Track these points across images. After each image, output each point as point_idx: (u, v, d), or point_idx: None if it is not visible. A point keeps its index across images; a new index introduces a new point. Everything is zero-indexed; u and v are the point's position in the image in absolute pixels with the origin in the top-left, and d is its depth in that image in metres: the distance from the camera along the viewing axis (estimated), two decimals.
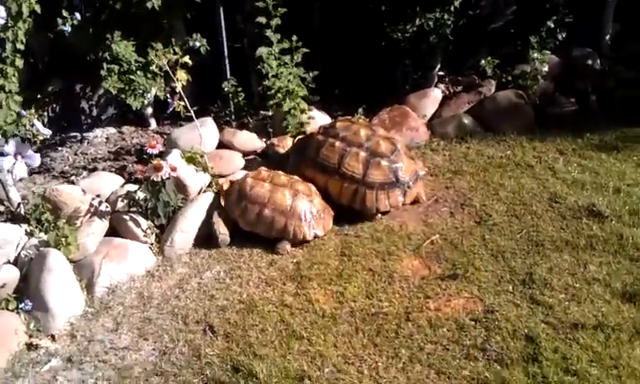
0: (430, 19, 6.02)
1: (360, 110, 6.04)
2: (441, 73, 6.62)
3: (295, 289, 4.00)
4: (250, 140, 5.39)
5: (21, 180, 4.96)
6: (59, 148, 5.65)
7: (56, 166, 5.36)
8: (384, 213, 4.75)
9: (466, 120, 5.99)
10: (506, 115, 5.94)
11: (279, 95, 5.32)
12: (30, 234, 4.02)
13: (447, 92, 6.44)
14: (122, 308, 3.85)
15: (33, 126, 3.66)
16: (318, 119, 5.59)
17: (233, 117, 5.84)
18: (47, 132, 3.72)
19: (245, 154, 5.28)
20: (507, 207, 4.76)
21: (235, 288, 4.02)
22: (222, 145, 5.30)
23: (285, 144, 5.19)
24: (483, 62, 6.21)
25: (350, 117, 5.45)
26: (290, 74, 5.43)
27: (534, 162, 5.35)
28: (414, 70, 6.55)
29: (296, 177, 4.66)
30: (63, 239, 3.91)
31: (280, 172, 4.66)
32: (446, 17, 6.01)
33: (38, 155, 3.29)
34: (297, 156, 5.00)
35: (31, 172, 5.18)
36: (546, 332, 3.48)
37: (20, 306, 3.65)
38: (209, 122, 5.29)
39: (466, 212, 4.77)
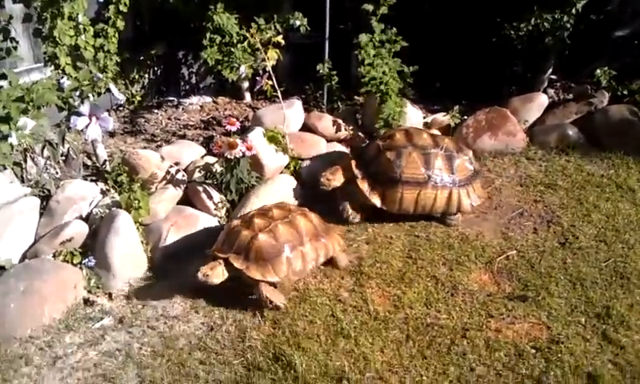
0: (547, 20, 5.64)
1: (456, 107, 5.78)
2: (553, 77, 6.20)
3: (353, 285, 3.90)
4: (335, 126, 5.28)
5: (112, 136, 5.20)
6: (155, 111, 5.83)
7: (149, 128, 5.54)
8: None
9: (571, 131, 5.58)
10: (615, 131, 5.47)
11: (372, 84, 5.18)
12: (104, 193, 4.17)
13: (556, 98, 6.03)
14: (181, 277, 3.92)
15: (109, 90, 3.77)
16: (411, 114, 5.41)
17: (324, 100, 5.77)
18: (122, 97, 3.84)
19: (328, 139, 5.19)
20: (597, 231, 4.39)
21: None
22: (306, 127, 5.25)
23: (338, 176, 4.52)
24: (598, 71, 5.72)
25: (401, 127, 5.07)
26: (387, 64, 5.27)
27: (637, 187, 4.90)
28: (524, 71, 6.19)
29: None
30: (135, 202, 4.02)
31: (265, 206, 4.04)
32: (565, 19, 5.62)
33: (112, 119, 3.39)
34: (370, 181, 4.44)
35: (124, 131, 5.41)
36: (611, 373, 3.20)
37: (84, 261, 3.80)
38: (296, 104, 5.25)
39: (552, 230, 4.45)
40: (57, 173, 4.35)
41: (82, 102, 3.42)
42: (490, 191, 4.96)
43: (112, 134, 5.27)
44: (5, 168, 3.79)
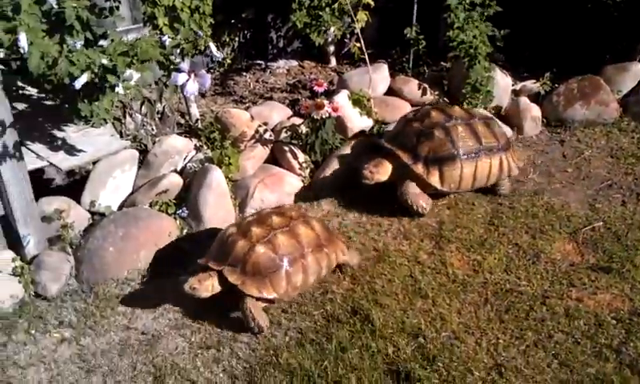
0: None
1: (547, 74, 5.62)
2: None
3: (432, 248, 3.95)
4: (421, 91, 5.26)
5: (204, 97, 5.42)
6: (244, 73, 6.00)
7: (238, 90, 5.73)
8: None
9: None
10: None
11: (461, 48, 5.13)
12: (198, 149, 4.39)
13: None
14: None
15: (208, 47, 3.94)
16: (499, 80, 5.31)
17: (410, 64, 5.76)
18: (220, 55, 3.98)
19: (413, 103, 5.20)
20: None
21: (373, 235, 4.06)
22: (391, 91, 5.27)
23: (383, 170, 4.22)
24: None
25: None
26: (477, 27, 5.20)
27: None
28: (619, 39, 5.91)
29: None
30: (226, 158, 4.22)
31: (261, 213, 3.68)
32: None
33: (210, 76, 3.54)
34: (423, 163, 4.18)
35: (214, 92, 5.62)
36: None
37: (177, 212, 4.05)
38: (382, 67, 5.27)
39: None
40: (152, 129, 4.60)
41: (183, 59, 3.59)
42: (578, 162, 4.85)
43: (203, 95, 5.48)
44: (106, 122, 4.04)
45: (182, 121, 4.89)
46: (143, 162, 4.26)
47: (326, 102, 4.36)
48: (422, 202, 4.17)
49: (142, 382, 3.12)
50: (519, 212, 4.27)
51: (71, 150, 3.93)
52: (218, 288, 3.35)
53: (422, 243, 3.99)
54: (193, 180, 4.15)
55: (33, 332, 3.42)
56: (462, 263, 3.82)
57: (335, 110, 4.40)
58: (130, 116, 4.54)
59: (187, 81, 3.52)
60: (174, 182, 4.14)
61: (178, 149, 4.30)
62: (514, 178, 4.59)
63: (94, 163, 4.07)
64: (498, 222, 4.16)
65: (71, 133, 4.06)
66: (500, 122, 4.64)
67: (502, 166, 4.34)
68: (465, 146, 4.20)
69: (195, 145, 4.41)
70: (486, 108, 5.23)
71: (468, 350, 3.20)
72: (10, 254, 3.69)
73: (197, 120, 4.80)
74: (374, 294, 3.56)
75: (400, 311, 3.44)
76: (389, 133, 4.62)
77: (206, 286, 3.32)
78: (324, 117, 4.35)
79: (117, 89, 3.25)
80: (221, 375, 3.14)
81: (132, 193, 4.18)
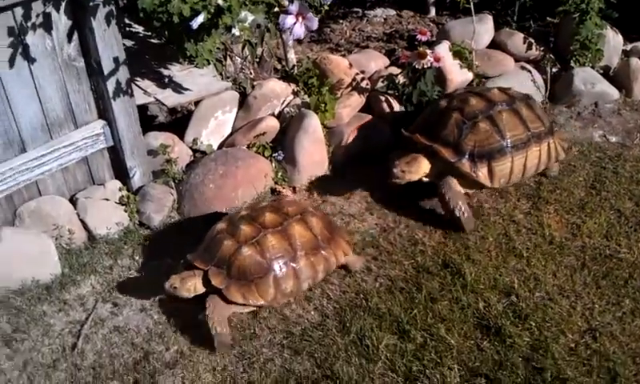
0: None
1: None
2: None
3: (529, 208, 3.86)
4: (526, 45, 5.06)
5: (300, 43, 5.43)
6: (341, 21, 5.95)
7: (334, 37, 5.70)
8: None
9: None
10: None
11: (572, 2, 4.87)
12: (295, 94, 4.43)
13: None
14: (358, 180, 4.12)
15: None
16: (610, 38, 5.03)
17: (515, 17, 5.53)
18: None
19: (516, 58, 5.01)
20: None
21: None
22: (494, 44, 5.09)
23: (418, 168, 3.77)
24: None
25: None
26: None
27: None
28: None
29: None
30: (322, 105, 4.23)
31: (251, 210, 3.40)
32: None
33: (317, 19, 3.52)
34: (469, 160, 3.72)
35: (310, 39, 5.61)
36: None
37: (273, 155, 4.14)
38: (487, 19, 5.08)
39: None
40: (251, 73, 4.67)
41: (291, 2, 3.59)
42: None
43: (300, 41, 5.49)
44: (209, 63, 4.13)
45: (279, 66, 4.93)
46: (243, 105, 4.34)
47: (428, 51, 4.28)
48: (465, 207, 3.68)
49: None
50: (623, 177, 4.09)
51: (176, 88, 4.06)
52: (201, 289, 3.14)
53: (519, 203, 3.91)
54: (289, 124, 4.21)
55: (137, 258, 3.62)
56: (560, 225, 3.72)
57: (437, 60, 4.30)
58: (231, 58, 4.62)
59: (294, 24, 3.52)
60: (272, 126, 4.21)
61: (276, 93, 4.35)
62: (618, 144, 4.40)
63: (197, 103, 4.20)
64: (601, 186, 4.00)
65: (176, 71, 4.19)
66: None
67: (549, 152, 3.95)
68: (513, 135, 3.78)
69: (293, 90, 4.45)
70: (593, 67, 4.99)
71: (562, 312, 3.15)
72: (117, 183, 3.90)
73: (293, 66, 4.83)
74: (467, 250, 3.54)
75: (492, 268, 3.41)
76: (419, 123, 4.07)
77: (188, 287, 3.11)
78: (425, 67, 4.26)
79: (233, 30, 3.28)
80: (312, 313, 3.23)
81: (231, 133, 4.29)
